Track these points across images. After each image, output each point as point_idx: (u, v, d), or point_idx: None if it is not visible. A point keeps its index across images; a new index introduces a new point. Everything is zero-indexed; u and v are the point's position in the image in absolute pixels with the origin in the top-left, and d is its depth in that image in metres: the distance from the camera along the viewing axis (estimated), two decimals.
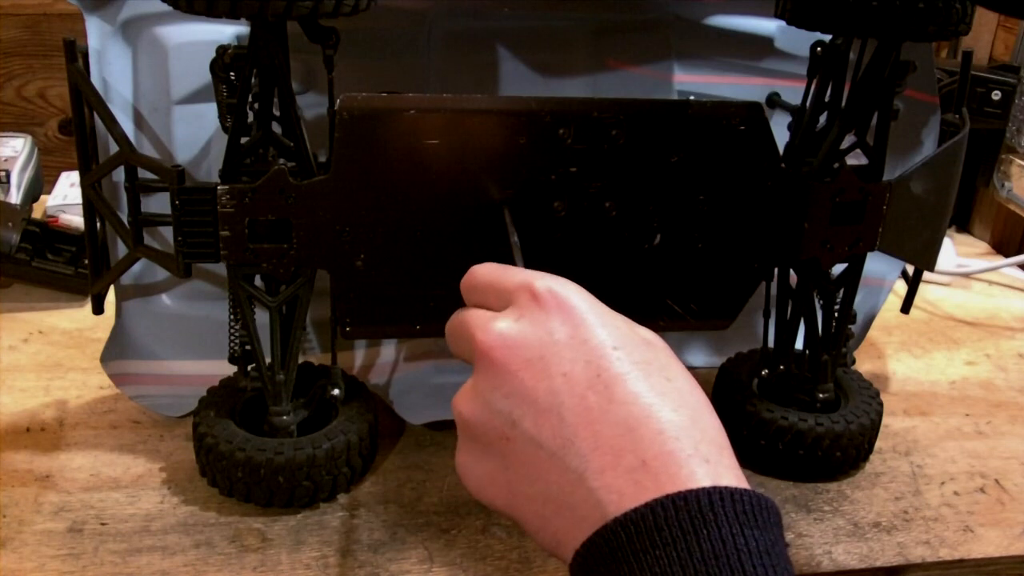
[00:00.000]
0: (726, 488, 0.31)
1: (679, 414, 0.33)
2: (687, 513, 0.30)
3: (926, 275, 0.86)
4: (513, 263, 0.47)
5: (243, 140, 0.53)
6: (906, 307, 0.70)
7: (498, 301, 0.39)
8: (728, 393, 0.65)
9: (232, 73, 0.54)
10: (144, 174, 0.54)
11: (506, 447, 0.35)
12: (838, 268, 0.62)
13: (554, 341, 0.35)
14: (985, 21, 1.06)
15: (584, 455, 0.33)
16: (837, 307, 0.62)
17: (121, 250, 0.57)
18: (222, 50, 0.53)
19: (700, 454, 0.32)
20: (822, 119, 0.60)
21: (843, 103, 0.59)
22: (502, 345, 0.36)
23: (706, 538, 0.29)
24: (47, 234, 0.79)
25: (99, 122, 0.55)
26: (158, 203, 0.55)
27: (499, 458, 0.36)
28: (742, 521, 0.30)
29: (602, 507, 0.32)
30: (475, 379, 0.37)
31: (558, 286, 0.37)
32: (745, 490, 0.31)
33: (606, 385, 0.34)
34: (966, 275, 0.97)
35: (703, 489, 0.30)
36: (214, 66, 0.54)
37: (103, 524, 0.54)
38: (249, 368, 0.58)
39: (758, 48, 0.68)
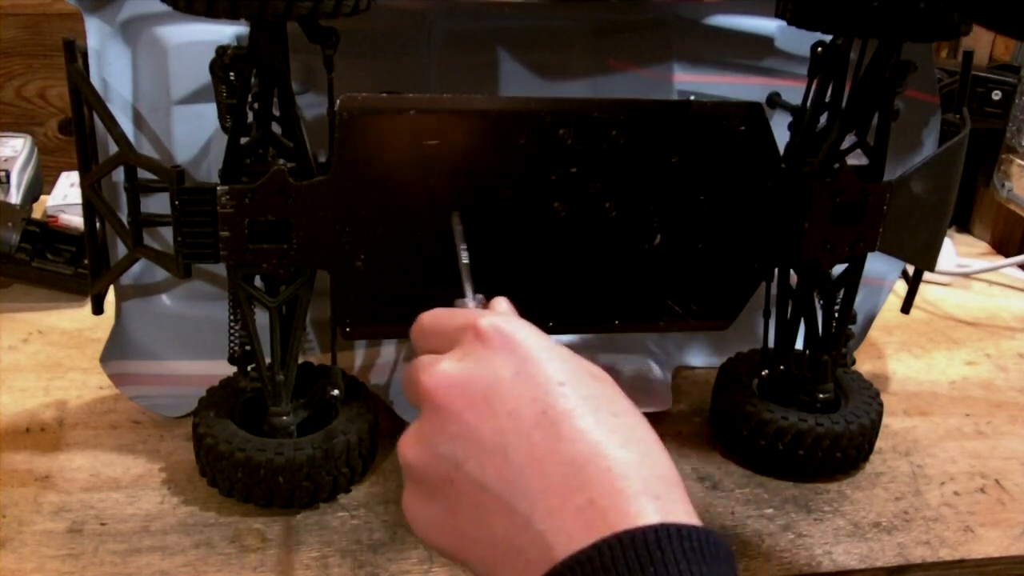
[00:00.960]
0: (673, 525, 0.30)
1: (628, 450, 0.32)
2: (634, 552, 0.29)
3: (926, 275, 0.86)
4: (460, 283, 0.46)
5: (243, 140, 0.53)
6: (906, 307, 0.70)
7: (445, 343, 0.38)
8: (728, 393, 0.65)
9: (232, 73, 0.54)
10: (144, 174, 0.54)
11: (451, 490, 0.34)
12: (838, 268, 0.62)
13: (498, 379, 0.34)
14: None
15: (531, 496, 0.32)
16: (837, 307, 0.62)
17: (121, 250, 0.57)
18: (222, 50, 0.53)
19: (650, 491, 0.31)
20: (822, 119, 0.60)
21: (843, 103, 0.59)
22: (445, 385, 0.35)
23: (653, 575, 0.29)
24: (47, 234, 0.79)
25: (99, 122, 0.55)
26: (158, 203, 0.55)
27: (445, 502, 0.35)
28: (689, 558, 0.29)
29: (550, 549, 0.31)
30: (419, 422, 0.36)
31: (503, 323, 0.36)
32: (694, 527, 0.31)
33: (552, 423, 0.33)
34: (966, 275, 0.97)
35: (650, 527, 0.30)
36: (214, 66, 0.54)
37: (103, 524, 0.54)
38: (249, 368, 0.58)
39: (758, 48, 0.68)
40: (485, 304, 0.43)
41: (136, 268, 0.63)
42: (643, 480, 0.32)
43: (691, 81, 0.68)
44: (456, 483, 0.34)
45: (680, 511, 0.31)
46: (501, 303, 0.40)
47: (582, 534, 0.30)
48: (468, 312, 0.38)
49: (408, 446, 0.36)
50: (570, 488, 0.31)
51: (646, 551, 0.29)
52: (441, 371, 0.35)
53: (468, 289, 0.45)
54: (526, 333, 0.36)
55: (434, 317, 0.40)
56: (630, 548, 0.29)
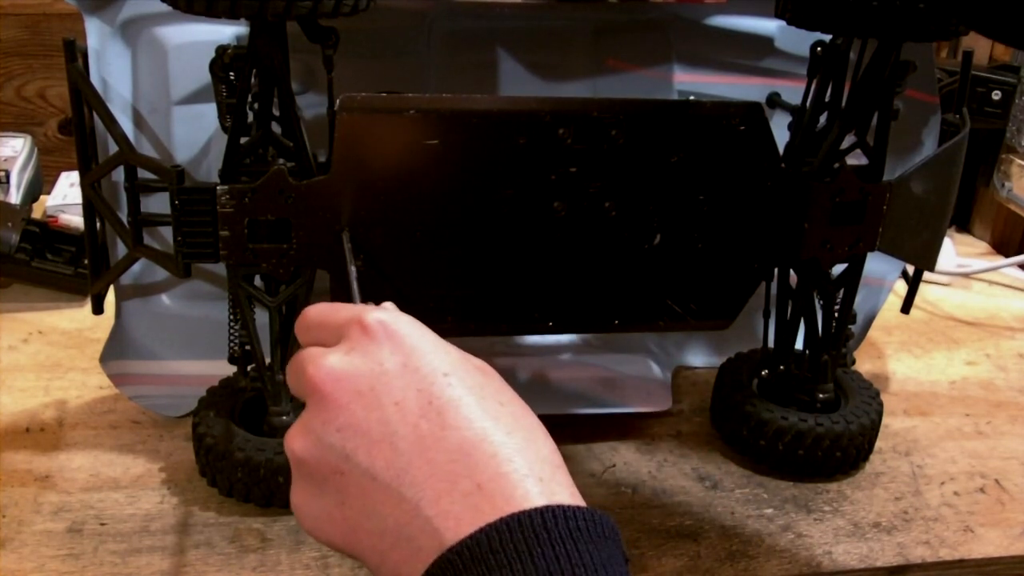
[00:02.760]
0: (559, 506, 0.31)
1: (513, 437, 0.33)
2: (521, 534, 0.30)
3: (926, 275, 0.86)
4: (350, 293, 0.46)
5: (243, 140, 0.53)
6: (906, 307, 0.70)
7: (330, 337, 0.38)
8: (728, 393, 0.65)
9: (232, 73, 0.54)
10: (144, 174, 0.54)
11: (341, 482, 0.34)
12: (838, 268, 0.62)
13: (384, 371, 0.35)
14: None
15: (419, 484, 0.32)
16: (837, 307, 0.62)
17: (121, 250, 0.57)
18: (222, 50, 0.53)
19: (534, 474, 0.32)
20: (822, 119, 0.60)
21: (843, 103, 0.59)
22: (332, 378, 0.35)
23: (540, 556, 0.29)
24: (47, 234, 0.79)
25: (99, 122, 0.55)
26: (158, 203, 0.55)
27: (334, 494, 0.35)
28: (576, 537, 0.30)
29: (439, 535, 0.31)
30: (306, 414, 0.36)
31: (388, 317, 0.37)
32: (579, 507, 0.31)
33: (438, 412, 0.34)
34: (966, 275, 0.97)
35: (536, 509, 0.30)
36: (214, 66, 0.54)
37: (103, 524, 0.54)
38: (249, 368, 0.58)
39: (758, 48, 0.68)
40: None
41: (136, 268, 0.63)
42: (528, 464, 0.32)
43: (691, 81, 0.68)
44: (345, 474, 0.34)
45: (565, 493, 0.32)
46: (389, 305, 0.40)
47: (470, 518, 0.31)
48: (353, 307, 0.38)
49: (296, 439, 0.36)
50: (457, 474, 0.32)
51: (532, 533, 0.30)
52: (328, 364, 0.36)
53: (356, 297, 0.45)
54: (410, 328, 0.36)
55: (319, 311, 0.40)
56: (517, 531, 0.30)
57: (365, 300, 0.41)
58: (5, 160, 0.85)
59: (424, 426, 0.33)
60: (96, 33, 0.58)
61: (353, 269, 0.48)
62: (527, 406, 0.36)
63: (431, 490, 0.32)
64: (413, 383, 0.34)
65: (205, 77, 0.54)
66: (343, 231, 0.52)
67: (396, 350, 0.35)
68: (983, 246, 1.05)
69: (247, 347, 0.57)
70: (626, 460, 0.63)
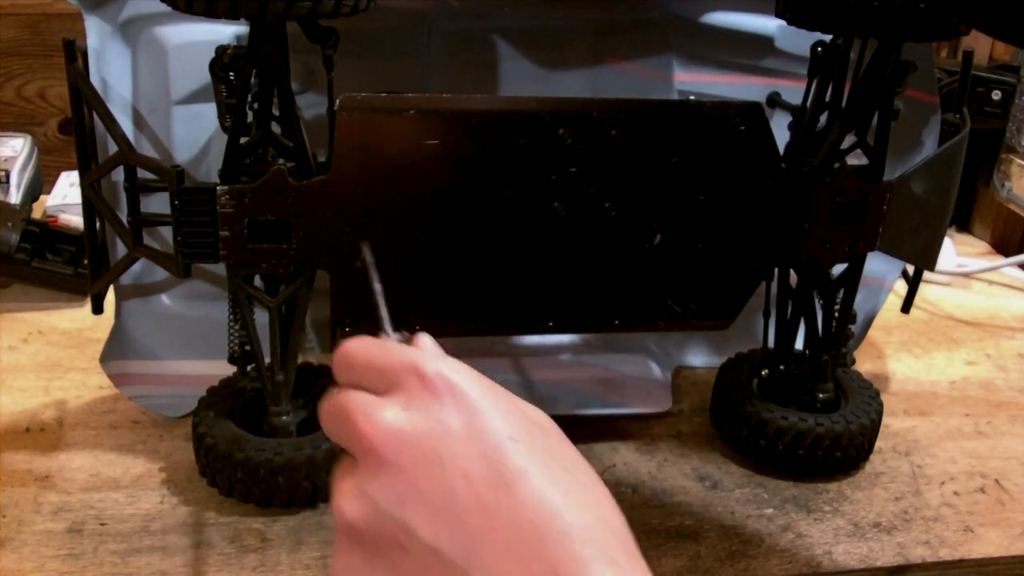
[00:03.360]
0: None
1: (585, 512, 0.31)
2: None
3: (926, 275, 0.86)
4: (377, 309, 0.43)
5: (243, 140, 0.53)
6: (906, 307, 0.70)
7: (381, 383, 0.35)
8: (728, 393, 0.65)
9: (232, 73, 0.54)
10: (144, 174, 0.54)
11: (400, 556, 0.32)
12: (838, 268, 0.62)
13: (448, 432, 0.32)
14: None
15: (488, 565, 0.30)
16: (837, 307, 0.62)
17: (121, 250, 0.57)
18: (222, 50, 0.53)
19: (607, 555, 0.30)
20: (822, 119, 0.60)
21: (843, 103, 0.59)
22: (392, 440, 0.32)
23: None
24: (47, 234, 0.79)
25: (99, 122, 0.55)
26: (158, 203, 0.55)
27: (391, 567, 0.32)
28: None
29: None
30: (361, 477, 0.33)
31: (448, 369, 0.34)
32: None
33: (507, 484, 0.31)
34: (966, 275, 0.97)
35: None
36: (214, 66, 0.54)
37: (103, 524, 0.54)
38: (249, 368, 0.58)
39: (758, 48, 0.68)
40: (409, 339, 0.38)
41: (136, 268, 0.63)
42: (603, 545, 0.30)
43: (691, 81, 0.68)
44: (407, 549, 0.32)
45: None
46: (427, 340, 0.37)
47: None
48: (407, 352, 0.35)
49: (348, 502, 0.33)
50: (529, 556, 0.30)
51: None
52: (385, 420, 0.33)
53: (387, 323, 0.41)
54: (470, 381, 0.34)
55: (366, 351, 0.36)
56: None
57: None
58: (5, 160, 0.85)
59: (492, 499, 0.31)
60: (96, 33, 0.58)
61: (379, 287, 0.44)
62: (589, 465, 0.34)
63: (500, 572, 0.30)
64: (477, 448, 0.32)
65: (205, 77, 0.54)
66: (364, 243, 0.50)
67: (459, 408, 0.33)
68: (983, 246, 1.05)
69: (247, 347, 0.57)
70: (626, 460, 0.63)
